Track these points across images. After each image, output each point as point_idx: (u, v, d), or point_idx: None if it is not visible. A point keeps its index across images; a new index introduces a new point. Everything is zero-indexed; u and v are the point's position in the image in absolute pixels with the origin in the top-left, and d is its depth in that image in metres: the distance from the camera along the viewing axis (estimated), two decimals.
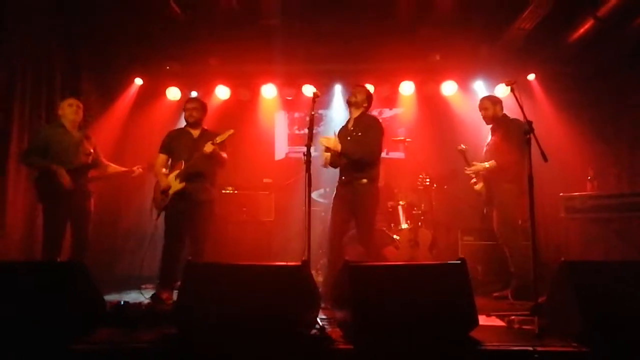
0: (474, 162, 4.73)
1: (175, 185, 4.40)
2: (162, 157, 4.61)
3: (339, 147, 4.17)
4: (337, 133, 4.45)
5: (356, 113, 4.42)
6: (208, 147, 4.29)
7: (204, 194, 4.50)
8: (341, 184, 4.39)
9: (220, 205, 6.08)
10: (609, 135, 5.99)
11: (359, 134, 4.29)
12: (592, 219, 5.29)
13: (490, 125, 4.81)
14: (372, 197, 4.27)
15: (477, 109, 4.89)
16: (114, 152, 5.96)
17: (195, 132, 4.63)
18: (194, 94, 6.75)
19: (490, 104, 4.73)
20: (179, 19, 5.34)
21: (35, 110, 5.24)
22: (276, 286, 2.83)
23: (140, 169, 4.95)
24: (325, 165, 4.38)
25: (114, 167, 4.94)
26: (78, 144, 4.60)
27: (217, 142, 4.32)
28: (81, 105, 4.71)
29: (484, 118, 4.80)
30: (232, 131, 4.41)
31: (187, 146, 4.52)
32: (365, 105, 4.43)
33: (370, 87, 6.63)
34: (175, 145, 4.57)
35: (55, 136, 4.52)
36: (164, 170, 4.58)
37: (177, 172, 4.43)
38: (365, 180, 4.22)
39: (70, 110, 4.60)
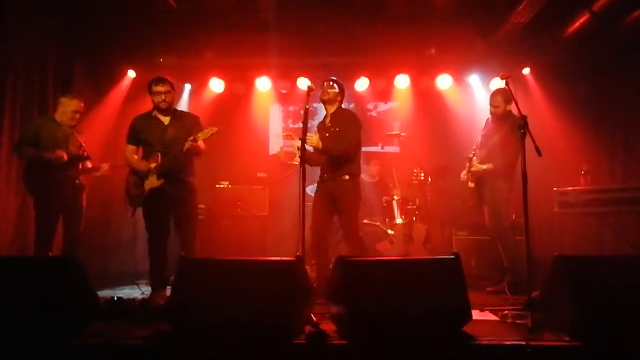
0: (474, 164, 4.63)
1: (152, 181, 4.05)
2: (131, 147, 4.18)
3: (320, 145, 4.10)
4: (316, 130, 4.39)
5: (332, 109, 4.33)
6: (189, 144, 3.96)
7: (182, 189, 4.17)
8: (322, 182, 4.32)
9: (214, 199, 6.08)
10: (603, 129, 6.01)
11: (337, 129, 4.23)
12: (585, 213, 5.30)
13: (489, 119, 4.76)
14: (355, 193, 4.22)
15: (472, 103, 4.86)
16: (106, 145, 5.92)
17: (165, 119, 4.17)
18: (187, 86, 6.70)
19: (503, 102, 4.54)
20: (173, 10, 5.29)
21: (28, 104, 5.20)
22: (270, 281, 2.81)
23: (106, 167, 4.79)
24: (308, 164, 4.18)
25: (87, 164, 4.79)
26: (68, 136, 4.58)
27: (199, 139, 4.00)
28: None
29: (493, 114, 4.65)
30: (215, 129, 4.04)
31: (159, 137, 4.11)
32: (339, 99, 4.35)
33: (365, 81, 6.66)
34: (144, 136, 4.15)
35: (47, 128, 4.49)
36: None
37: (153, 165, 4.08)
38: (347, 177, 4.17)
39: (70, 117, 4.56)
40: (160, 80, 4.16)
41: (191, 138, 3.97)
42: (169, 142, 4.09)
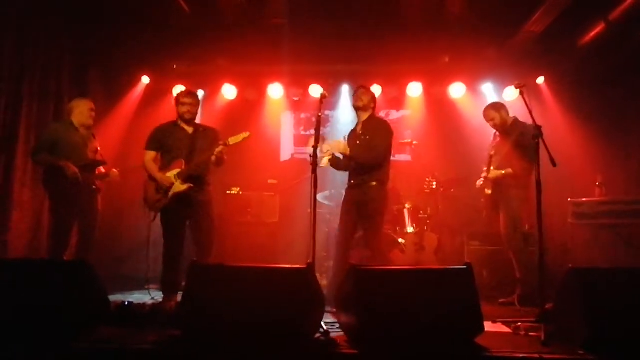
0: (492, 168, 4.62)
1: (178, 186, 4.14)
2: (152, 154, 4.28)
3: (347, 151, 4.19)
4: (346, 137, 4.46)
5: (364, 116, 4.38)
6: (222, 148, 4.11)
7: (204, 195, 4.30)
8: (350, 187, 4.37)
9: (225, 206, 6.09)
10: (618, 140, 5.94)
11: (367, 137, 4.26)
12: (600, 225, 5.23)
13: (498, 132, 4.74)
14: (382, 200, 4.23)
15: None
16: (120, 150, 5.98)
17: (189, 129, 4.33)
18: (200, 92, 6.74)
19: (495, 113, 4.59)
20: (187, 17, 5.34)
21: (43, 109, 5.26)
22: (281, 289, 2.81)
23: (116, 172, 4.81)
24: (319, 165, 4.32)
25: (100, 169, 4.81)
26: (86, 141, 4.62)
27: (230, 144, 4.13)
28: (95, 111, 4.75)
29: (495, 127, 4.67)
30: (247, 134, 4.20)
31: (184, 144, 4.25)
32: (372, 106, 4.41)
33: (377, 89, 6.66)
34: (169, 142, 4.27)
35: (64, 133, 4.53)
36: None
37: (176, 171, 4.17)
38: (374, 183, 4.19)
39: (87, 115, 4.62)
40: (189, 93, 4.45)
41: (222, 142, 4.12)
42: (193, 149, 4.22)
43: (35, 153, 4.55)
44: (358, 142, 4.29)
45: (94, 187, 4.64)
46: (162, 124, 4.46)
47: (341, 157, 4.31)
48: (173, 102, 4.56)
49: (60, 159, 4.39)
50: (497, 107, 4.66)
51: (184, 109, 4.31)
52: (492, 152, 4.70)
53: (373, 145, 4.20)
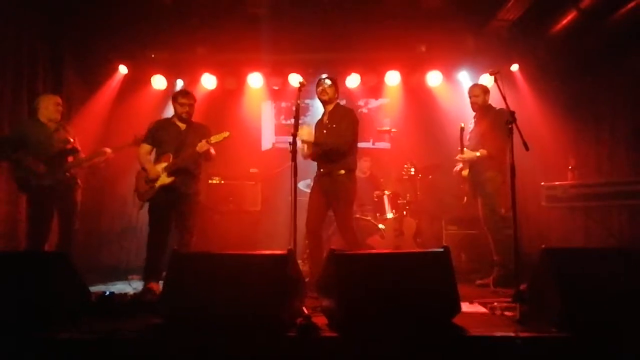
0: (466, 150, 4.74)
1: (163, 178, 4.35)
2: (146, 147, 4.51)
3: (312, 138, 4.25)
4: (312, 126, 4.51)
5: (330, 107, 4.44)
6: (202, 146, 4.28)
7: (190, 188, 4.48)
8: (319, 176, 4.43)
9: (207, 195, 6.08)
10: (590, 125, 6.08)
11: (334, 125, 4.33)
12: (573, 207, 5.39)
13: (475, 114, 4.84)
14: (350, 187, 4.30)
15: (462, 99, 4.93)
16: (98, 142, 5.89)
17: (182, 125, 4.54)
18: (179, 82, 6.68)
19: (481, 92, 4.75)
20: (165, 5, 5.27)
21: (17, 102, 5.14)
22: (262, 275, 2.83)
23: (109, 151, 4.79)
24: (305, 158, 4.41)
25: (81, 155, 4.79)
26: (53, 134, 4.58)
27: (212, 142, 4.31)
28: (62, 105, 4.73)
29: (473, 105, 4.79)
30: (227, 133, 4.36)
31: (175, 139, 4.45)
32: (336, 96, 4.47)
33: (356, 77, 6.69)
34: (161, 137, 4.48)
35: (30, 130, 4.52)
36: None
37: (164, 164, 4.37)
38: (343, 171, 4.25)
39: (53, 110, 4.60)
40: (187, 94, 4.60)
41: (205, 140, 4.31)
42: (182, 145, 4.41)
43: None
44: (325, 130, 4.35)
45: (70, 177, 4.60)
46: (159, 120, 4.75)
47: (304, 145, 4.32)
48: (168, 97, 4.81)
49: (15, 154, 4.40)
50: (485, 89, 4.81)
51: (182, 109, 4.49)
52: (468, 137, 4.80)
53: (338, 132, 4.26)
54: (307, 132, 4.26)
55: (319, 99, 4.46)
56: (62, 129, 4.69)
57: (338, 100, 4.51)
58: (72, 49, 6.02)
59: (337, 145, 4.22)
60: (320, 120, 4.52)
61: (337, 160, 4.26)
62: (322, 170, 4.39)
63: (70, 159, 4.67)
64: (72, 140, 4.70)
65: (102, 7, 5.40)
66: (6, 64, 5.03)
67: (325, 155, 4.29)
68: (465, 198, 4.92)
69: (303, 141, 4.24)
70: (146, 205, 4.42)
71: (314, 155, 4.40)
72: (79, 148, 4.77)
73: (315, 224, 4.35)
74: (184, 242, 4.36)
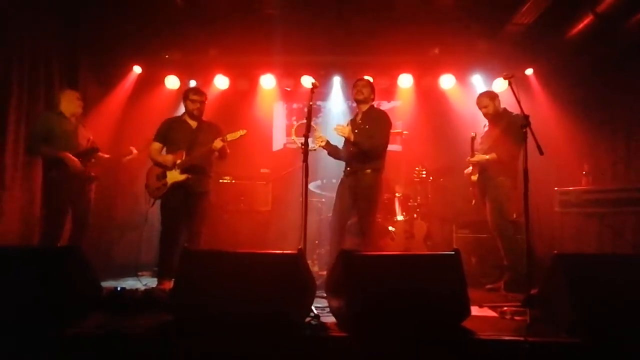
0: (477, 153, 4.72)
1: (176, 176, 4.38)
2: (157, 145, 4.55)
3: (352, 136, 4.31)
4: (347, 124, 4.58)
5: (365, 107, 4.54)
6: (218, 143, 4.32)
7: (202, 186, 4.52)
8: (346, 174, 4.53)
9: (218, 194, 6.11)
10: (605, 130, 6.01)
11: (367, 126, 4.41)
12: (586, 213, 5.32)
13: (488, 121, 4.82)
14: (375, 187, 4.37)
15: (475, 103, 4.89)
16: (112, 140, 5.96)
17: (193, 123, 4.59)
18: (192, 83, 6.74)
19: (489, 101, 4.70)
20: (178, 7, 5.32)
21: (33, 100, 5.20)
22: (272, 274, 2.85)
23: (135, 150, 4.92)
24: (336, 157, 4.59)
25: (102, 155, 4.88)
26: (76, 130, 4.64)
27: (228, 139, 4.34)
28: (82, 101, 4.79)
29: (485, 115, 4.77)
30: (244, 131, 4.41)
31: (187, 137, 4.49)
32: (372, 97, 4.57)
33: (369, 79, 6.68)
34: (173, 134, 4.52)
35: (57, 122, 4.56)
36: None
37: (178, 161, 4.41)
38: (369, 171, 4.34)
39: (76, 104, 4.67)
40: (198, 91, 4.65)
41: (220, 138, 4.34)
42: (194, 142, 4.45)
43: (32, 146, 4.57)
44: (357, 130, 4.42)
45: (87, 175, 4.65)
46: (169, 118, 4.73)
47: (339, 146, 4.48)
48: (181, 97, 4.75)
49: (58, 150, 4.42)
50: (492, 96, 4.76)
51: (193, 105, 4.53)
52: (480, 141, 4.78)
53: (372, 134, 4.34)
54: (348, 130, 4.33)
55: (354, 99, 4.56)
56: (82, 126, 4.75)
57: (373, 102, 4.59)
58: (87, 50, 6.09)
59: (373, 146, 4.32)
60: (354, 120, 4.61)
61: (367, 161, 4.34)
62: (349, 169, 4.49)
63: (93, 159, 4.73)
64: (90, 138, 4.77)
65: (117, 8, 5.46)
66: (23, 64, 5.09)
67: (356, 155, 4.37)
68: (474, 201, 4.90)
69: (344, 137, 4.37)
70: (157, 203, 4.44)
71: (345, 154, 4.47)
72: (97, 147, 4.84)
73: (340, 222, 4.42)
74: (192, 241, 4.40)
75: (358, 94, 4.49)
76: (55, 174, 4.46)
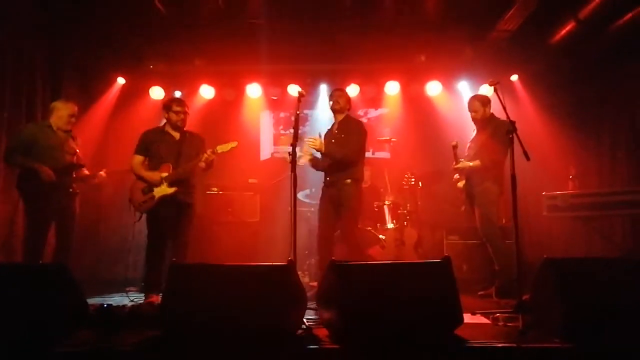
0: (461, 160, 4.72)
1: (165, 189, 4.29)
2: (139, 157, 4.42)
3: (322, 147, 4.37)
4: (322, 135, 4.61)
5: (340, 117, 4.60)
6: (210, 156, 4.26)
7: (190, 197, 4.47)
8: (326, 185, 4.57)
9: (205, 206, 6.06)
10: (591, 135, 6.09)
11: (343, 135, 4.47)
12: (573, 217, 5.37)
13: (475, 125, 4.83)
14: (356, 196, 4.41)
15: (461, 109, 4.92)
16: (96, 152, 5.89)
17: (176, 135, 4.49)
18: (177, 93, 6.68)
19: (480, 106, 4.64)
20: (163, 17, 5.28)
21: (15, 111, 5.13)
22: (262, 286, 2.80)
23: (104, 174, 4.79)
24: (316, 169, 4.61)
25: (84, 171, 4.78)
26: (63, 144, 4.55)
27: (218, 152, 4.28)
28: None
29: (474, 119, 4.73)
30: (235, 143, 4.36)
31: (172, 150, 4.40)
32: (348, 107, 4.63)
33: (355, 87, 6.71)
34: (156, 148, 4.41)
35: (41, 134, 4.46)
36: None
37: (165, 174, 4.31)
38: (349, 181, 4.38)
39: (65, 121, 4.56)
40: (180, 102, 4.55)
41: (211, 150, 4.27)
42: (179, 155, 4.38)
43: (8, 154, 4.46)
44: (333, 140, 4.49)
45: (71, 190, 4.57)
46: (149, 130, 4.57)
47: (319, 155, 4.50)
48: (162, 107, 4.60)
49: (34, 161, 4.32)
50: (484, 101, 4.67)
51: (177, 117, 4.44)
52: (468, 146, 4.79)
53: (346, 143, 4.39)
54: (319, 142, 4.37)
55: (331, 109, 4.61)
56: (71, 139, 4.67)
57: (348, 111, 4.65)
58: (71, 60, 6.03)
59: (345, 155, 4.35)
60: (330, 130, 4.66)
61: (344, 170, 4.37)
62: (328, 179, 4.52)
63: (75, 174, 4.64)
64: (77, 151, 4.69)
65: (101, 18, 5.41)
66: (5, 74, 5.03)
67: (333, 165, 4.41)
68: (463, 207, 4.90)
69: (307, 154, 4.45)
70: (144, 217, 4.37)
71: (323, 165, 4.51)
72: (83, 163, 4.75)
73: (326, 232, 4.46)
74: (179, 253, 4.30)
75: (334, 104, 4.55)
76: (27, 184, 4.35)
